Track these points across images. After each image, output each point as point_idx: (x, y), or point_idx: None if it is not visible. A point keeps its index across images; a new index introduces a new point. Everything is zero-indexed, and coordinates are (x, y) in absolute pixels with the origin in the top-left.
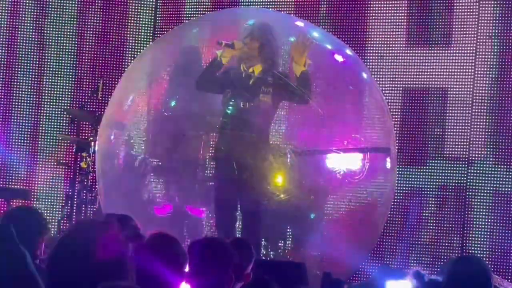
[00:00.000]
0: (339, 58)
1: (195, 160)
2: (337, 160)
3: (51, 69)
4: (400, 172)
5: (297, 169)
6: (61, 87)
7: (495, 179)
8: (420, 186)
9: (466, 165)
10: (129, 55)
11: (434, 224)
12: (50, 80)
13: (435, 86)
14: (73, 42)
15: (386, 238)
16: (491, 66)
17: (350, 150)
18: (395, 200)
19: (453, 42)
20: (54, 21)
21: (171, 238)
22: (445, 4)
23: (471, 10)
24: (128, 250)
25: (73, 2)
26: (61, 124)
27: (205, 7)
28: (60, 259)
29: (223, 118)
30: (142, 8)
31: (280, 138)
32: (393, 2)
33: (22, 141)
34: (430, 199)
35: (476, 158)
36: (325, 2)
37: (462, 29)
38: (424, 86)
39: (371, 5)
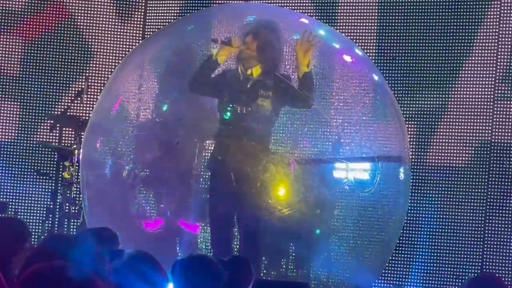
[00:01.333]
0: (347, 58)
1: (188, 170)
2: (345, 171)
3: (30, 69)
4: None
5: (301, 181)
6: (41, 89)
7: None
8: (436, 199)
9: (487, 177)
10: (117, 54)
11: (451, 241)
12: (29, 81)
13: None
14: (55, 39)
15: (399, 257)
16: None
17: (359, 159)
18: (409, 215)
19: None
20: (35, 17)
21: (150, 257)
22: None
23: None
24: (104, 269)
25: None
26: (42, 130)
27: (201, 3)
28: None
29: (220, 124)
30: (131, 3)
31: (282, 146)
32: None
33: None
34: (448, 213)
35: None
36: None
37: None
38: None
39: None
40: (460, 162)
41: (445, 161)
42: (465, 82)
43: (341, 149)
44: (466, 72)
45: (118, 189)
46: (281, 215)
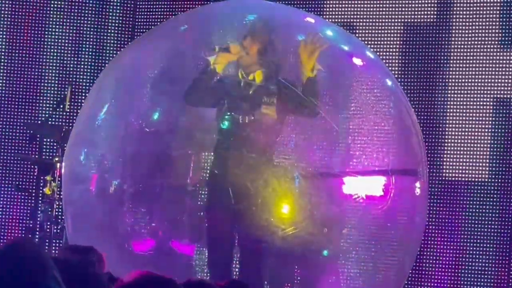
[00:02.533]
0: (357, 61)
1: (182, 186)
2: (355, 185)
3: (6, 73)
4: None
5: (306, 197)
6: (19, 95)
7: None
8: (456, 216)
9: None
10: (104, 57)
11: (474, 263)
12: (5, 87)
13: None
14: (35, 41)
15: (415, 280)
16: None
17: (371, 173)
18: (427, 234)
19: None
20: (13, 19)
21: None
22: None
23: None
24: None
25: None
26: (20, 141)
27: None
28: None
29: (218, 134)
30: (119, 2)
31: (286, 158)
32: None
33: None
34: (470, 232)
35: None
36: None
37: None
38: None
39: None
40: (481, 174)
41: (464, 173)
42: (484, 88)
43: (351, 162)
44: (485, 77)
45: (104, 206)
46: (284, 234)
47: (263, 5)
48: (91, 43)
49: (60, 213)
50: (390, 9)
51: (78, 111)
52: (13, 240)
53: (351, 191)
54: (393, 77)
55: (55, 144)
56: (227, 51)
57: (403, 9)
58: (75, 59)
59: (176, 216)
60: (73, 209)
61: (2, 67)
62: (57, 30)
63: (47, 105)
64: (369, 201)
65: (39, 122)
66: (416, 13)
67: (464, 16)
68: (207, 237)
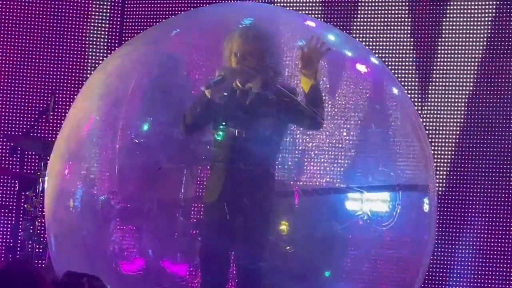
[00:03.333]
0: (361, 68)
1: (175, 202)
2: (359, 201)
3: None
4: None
5: (307, 214)
6: None
7: None
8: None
9: None
10: (89, 64)
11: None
12: None
13: None
14: (16, 49)
15: None
16: None
17: (376, 188)
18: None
19: None
20: None
21: None
22: None
23: None
24: None
25: None
26: (0, 154)
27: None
28: None
29: (212, 146)
30: (106, 4)
31: (285, 173)
32: None
33: None
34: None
35: None
36: None
37: None
38: None
39: None
40: (494, 190)
41: (475, 188)
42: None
43: (355, 176)
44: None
45: (90, 224)
46: (283, 253)
47: (259, 8)
48: (75, 49)
49: (42, 231)
50: None
51: (62, 122)
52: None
53: (355, 208)
54: (399, 84)
55: (37, 157)
56: (224, 81)
57: None
58: (59, 66)
59: (168, 234)
60: (56, 227)
61: None
62: (38, 37)
63: (29, 115)
64: (374, 219)
65: (21, 134)
66: None
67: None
68: (201, 255)
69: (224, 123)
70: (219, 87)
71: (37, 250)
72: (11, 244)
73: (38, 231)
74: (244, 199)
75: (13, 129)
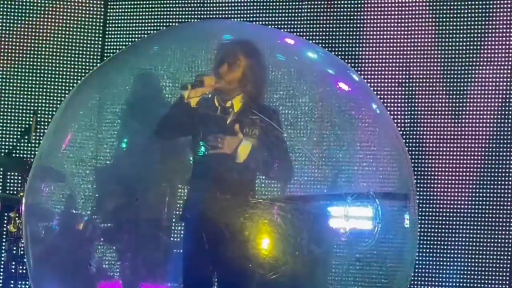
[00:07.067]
0: (342, 86)
1: (155, 220)
2: (341, 220)
3: None
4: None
5: (287, 237)
6: None
7: None
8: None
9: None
10: (71, 83)
11: None
12: None
13: None
14: None
15: None
16: None
17: (357, 201)
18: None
19: None
20: None
21: None
22: None
23: None
24: None
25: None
26: None
27: (171, 18)
28: None
29: (192, 165)
30: (88, 20)
31: (265, 190)
32: None
33: None
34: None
35: None
36: None
37: None
38: None
39: None
40: (478, 199)
41: (457, 200)
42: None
43: (335, 193)
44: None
45: (70, 245)
46: (266, 279)
47: (239, 26)
48: (57, 67)
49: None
50: None
51: None
52: None
53: (337, 226)
54: (378, 100)
55: (19, 177)
56: (202, 85)
57: None
58: (40, 86)
59: (148, 255)
60: (35, 248)
61: None
62: (18, 57)
63: (11, 135)
64: (354, 236)
65: (2, 154)
66: None
67: None
68: (183, 277)
69: (203, 142)
70: (196, 91)
71: (20, 271)
72: None
73: (21, 252)
74: (226, 218)
75: None
